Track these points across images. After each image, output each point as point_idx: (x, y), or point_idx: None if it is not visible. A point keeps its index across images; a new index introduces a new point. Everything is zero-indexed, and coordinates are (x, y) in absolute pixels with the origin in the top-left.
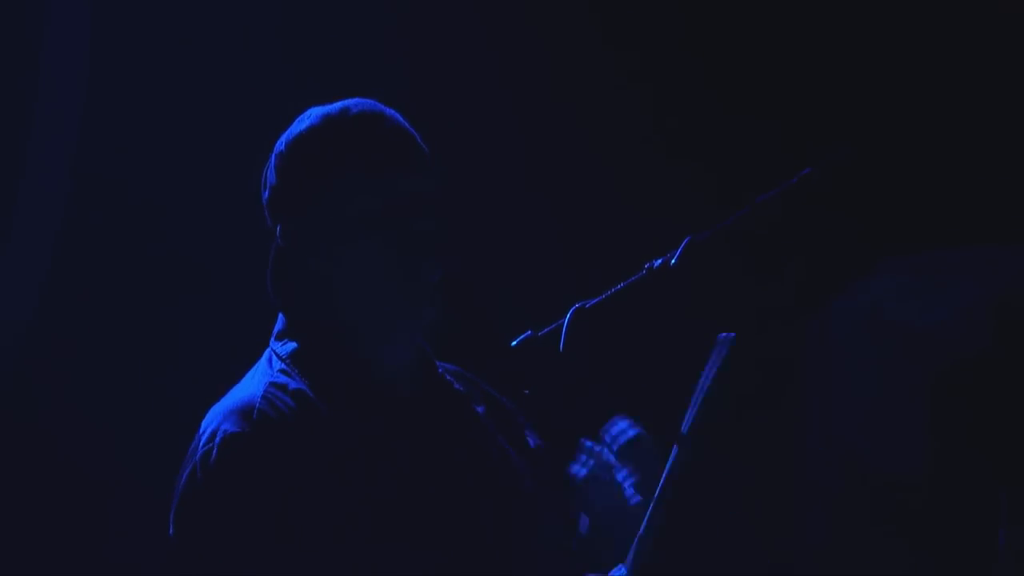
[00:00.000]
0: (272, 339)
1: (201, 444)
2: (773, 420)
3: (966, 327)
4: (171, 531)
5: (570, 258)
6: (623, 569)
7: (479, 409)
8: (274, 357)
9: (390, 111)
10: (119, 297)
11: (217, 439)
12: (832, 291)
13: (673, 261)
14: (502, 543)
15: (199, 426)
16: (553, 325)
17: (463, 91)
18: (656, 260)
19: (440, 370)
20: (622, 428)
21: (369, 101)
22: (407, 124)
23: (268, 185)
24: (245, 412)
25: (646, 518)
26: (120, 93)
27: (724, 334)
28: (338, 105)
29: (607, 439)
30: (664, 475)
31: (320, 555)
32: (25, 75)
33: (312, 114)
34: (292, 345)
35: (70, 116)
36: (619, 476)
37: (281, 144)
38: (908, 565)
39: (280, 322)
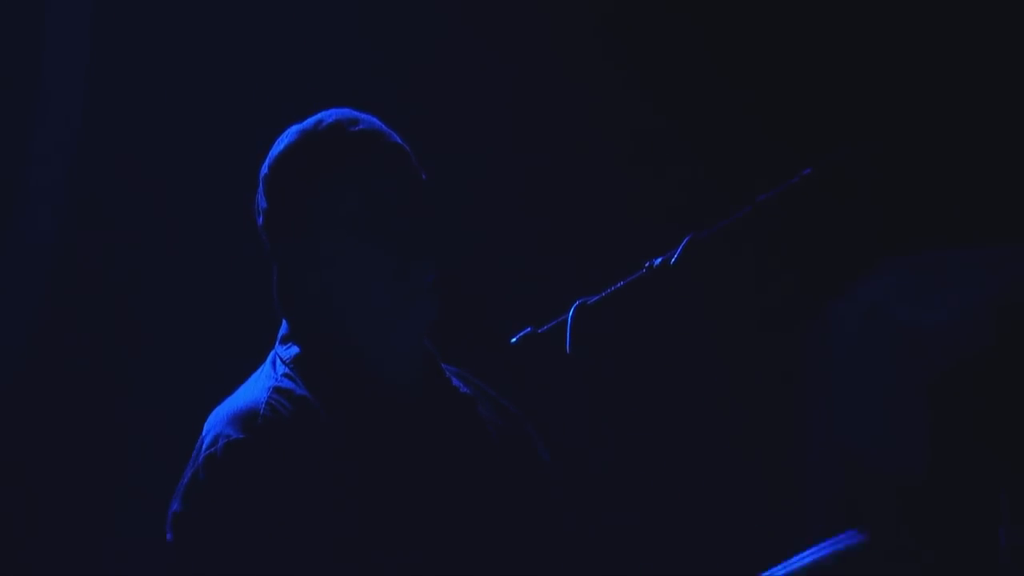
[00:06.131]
0: (277, 342)
1: (204, 448)
2: (773, 420)
3: (967, 327)
4: (170, 534)
5: (567, 256)
6: None
7: (483, 413)
8: (278, 361)
9: (365, 116)
10: (120, 298)
11: (220, 444)
12: (832, 291)
13: (673, 260)
14: (503, 547)
15: (201, 429)
16: (554, 321)
17: (465, 88)
18: (656, 258)
19: (446, 374)
20: None
21: (343, 109)
22: (384, 127)
23: (260, 210)
24: (249, 418)
25: None
26: (120, 94)
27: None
28: (312, 119)
29: None
30: None
31: (322, 561)
32: (26, 75)
33: (289, 132)
34: (295, 349)
35: (70, 117)
36: None
37: (265, 168)
38: (908, 565)
39: (284, 326)
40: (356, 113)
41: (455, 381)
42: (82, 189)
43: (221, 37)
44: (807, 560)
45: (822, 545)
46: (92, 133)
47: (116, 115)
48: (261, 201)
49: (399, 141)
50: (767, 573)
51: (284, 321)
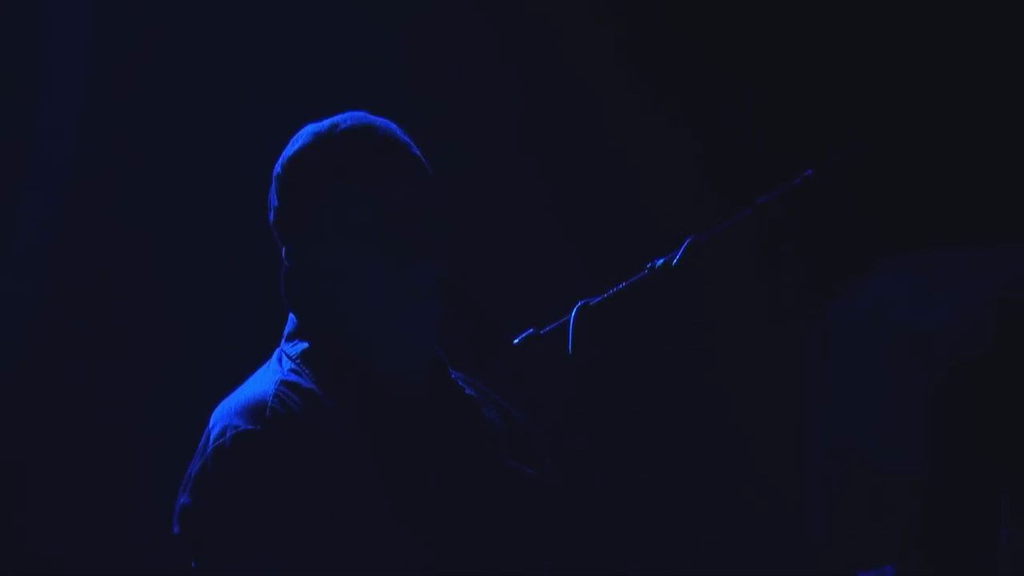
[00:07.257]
0: (283, 339)
1: (212, 440)
2: (774, 420)
3: (967, 327)
4: (178, 527)
5: (568, 257)
6: None
7: (487, 414)
8: (284, 357)
9: (381, 121)
10: (123, 294)
11: (228, 435)
12: (832, 291)
13: (675, 261)
14: (504, 544)
15: (207, 423)
16: (556, 323)
17: (467, 89)
18: (658, 260)
19: (452, 375)
20: None
21: (359, 113)
22: (399, 133)
23: (271, 208)
24: (257, 410)
25: None
26: (121, 94)
27: None
28: (328, 121)
29: None
30: None
31: (329, 552)
32: (27, 76)
33: (304, 133)
34: (303, 346)
35: (71, 116)
36: None
37: (278, 167)
38: (909, 565)
39: (291, 323)
40: (372, 118)
41: (460, 383)
42: (82, 188)
43: (222, 35)
44: None
45: None
46: (92, 132)
47: (116, 114)
48: (273, 199)
49: (413, 150)
50: None
51: (290, 318)
